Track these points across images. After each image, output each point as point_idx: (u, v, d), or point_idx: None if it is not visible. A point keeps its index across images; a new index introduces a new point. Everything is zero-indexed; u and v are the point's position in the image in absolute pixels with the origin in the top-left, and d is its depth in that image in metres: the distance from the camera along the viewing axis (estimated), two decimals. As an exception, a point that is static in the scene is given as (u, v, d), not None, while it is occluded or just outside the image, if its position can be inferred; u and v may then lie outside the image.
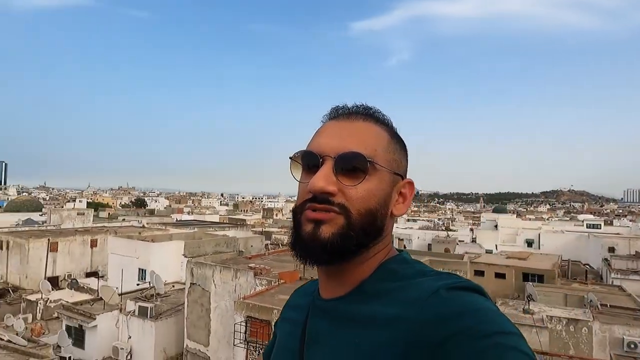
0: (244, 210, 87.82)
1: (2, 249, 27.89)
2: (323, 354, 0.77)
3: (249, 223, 50.72)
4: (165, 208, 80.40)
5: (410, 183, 0.85)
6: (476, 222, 59.97)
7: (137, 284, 21.34)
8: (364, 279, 0.80)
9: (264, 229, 46.97)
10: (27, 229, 33.12)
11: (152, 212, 66.80)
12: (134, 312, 16.32)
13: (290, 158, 0.82)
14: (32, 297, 21.15)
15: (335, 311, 0.79)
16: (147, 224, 38.57)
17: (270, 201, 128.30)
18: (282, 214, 71.68)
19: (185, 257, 22.37)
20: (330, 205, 0.75)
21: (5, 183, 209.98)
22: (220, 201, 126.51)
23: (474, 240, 41.60)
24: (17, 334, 14.84)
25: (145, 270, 21.97)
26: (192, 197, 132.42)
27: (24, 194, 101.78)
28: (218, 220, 51.91)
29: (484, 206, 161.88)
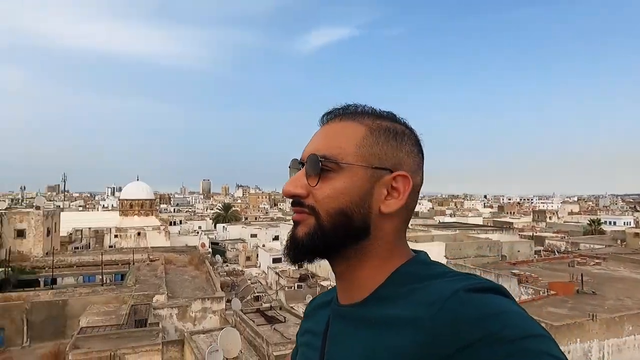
0: (511, 213, 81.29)
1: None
2: (341, 354, 0.76)
3: (516, 226, 46.83)
4: (428, 210, 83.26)
5: (403, 176, 0.76)
6: None
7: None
8: (381, 284, 0.76)
9: (534, 233, 42.35)
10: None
11: (416, 214, 70.42)
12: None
13: (289, 167, 0.83)
14: (324, 283, 26.00)
15: (354, 316, 0.77)
16: (411, 225, 41.05)
17: (542, 202, 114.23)
18: (558, 217, 62.56)
19: (447, 258, 22.79)
20: (302, 207, 0.77)
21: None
22: (484, 203, 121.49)
23: None
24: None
25: (409, 269, 23.49)
26: (454, 200, 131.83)
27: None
28: (481, 223, 50.27)
29: None
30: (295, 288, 26.93)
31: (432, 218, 58.60)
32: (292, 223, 0.80)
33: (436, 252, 23.48)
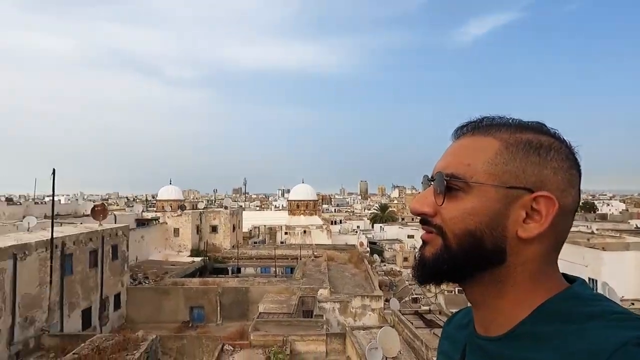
0: None
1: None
2: None
3: None
4: (620, 212, 69.91)
5: (546, 197, 0.66)
6: None
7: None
8: (523, 319, 0.68)
9: None
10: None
11: (603, 217, 59.91)
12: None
13: (421, 183, 0.80)
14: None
15: (490, 351, 0.70)
16: (597, 229, 35.03)
17: None
18: None
19: (649, 271, 18.78)
20: (429, 226, 0.73)
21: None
22: None
23: None
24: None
25: (595, 281, 20.16)
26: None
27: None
28: (701, 229, 39.83)
29: None
30: (456, 292, 25.66)
31: (625, 222, 48.86)
32: (422, 241, 0.76)
33: (632, 263, 19.75)
